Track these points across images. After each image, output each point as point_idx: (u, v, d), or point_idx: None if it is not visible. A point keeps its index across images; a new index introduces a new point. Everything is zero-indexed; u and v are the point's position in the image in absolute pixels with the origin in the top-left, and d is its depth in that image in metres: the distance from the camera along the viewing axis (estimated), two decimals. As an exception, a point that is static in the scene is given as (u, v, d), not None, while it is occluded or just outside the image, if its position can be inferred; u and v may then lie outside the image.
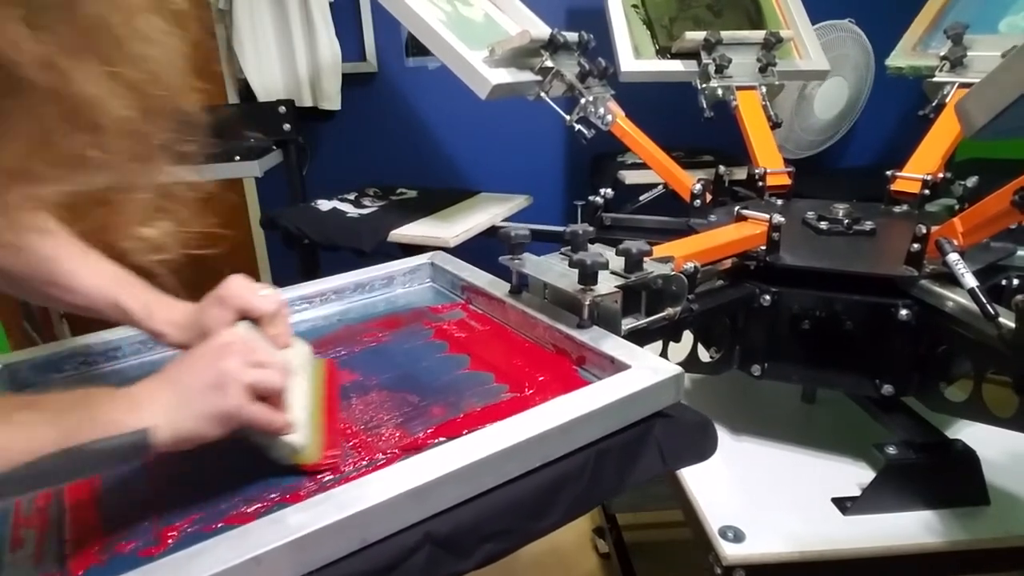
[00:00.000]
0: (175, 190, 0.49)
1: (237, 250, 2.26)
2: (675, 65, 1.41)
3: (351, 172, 2.13)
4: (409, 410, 0.61)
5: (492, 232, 1.53)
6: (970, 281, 0.67)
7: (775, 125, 1.27)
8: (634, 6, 1.49)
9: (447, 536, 0.46)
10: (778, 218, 0.83)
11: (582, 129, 1.22)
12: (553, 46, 1.25)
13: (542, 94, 1.27)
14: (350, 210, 1.68)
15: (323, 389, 0.63)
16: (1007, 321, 0.63)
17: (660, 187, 1.29)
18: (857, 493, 0.79)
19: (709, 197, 1.08)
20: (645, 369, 0.59)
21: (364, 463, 0.54)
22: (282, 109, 1.92)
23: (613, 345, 0.64)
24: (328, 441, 0.56)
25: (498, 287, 0.81)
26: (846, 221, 0.93)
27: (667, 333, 0.76)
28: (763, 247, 0.84)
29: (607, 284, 0.68)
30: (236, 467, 0.53)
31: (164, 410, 0.46)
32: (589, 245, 0.76)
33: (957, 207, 0.98)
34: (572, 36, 1.27)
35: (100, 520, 0.49)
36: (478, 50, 1.25)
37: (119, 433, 0.44)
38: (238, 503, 0.50)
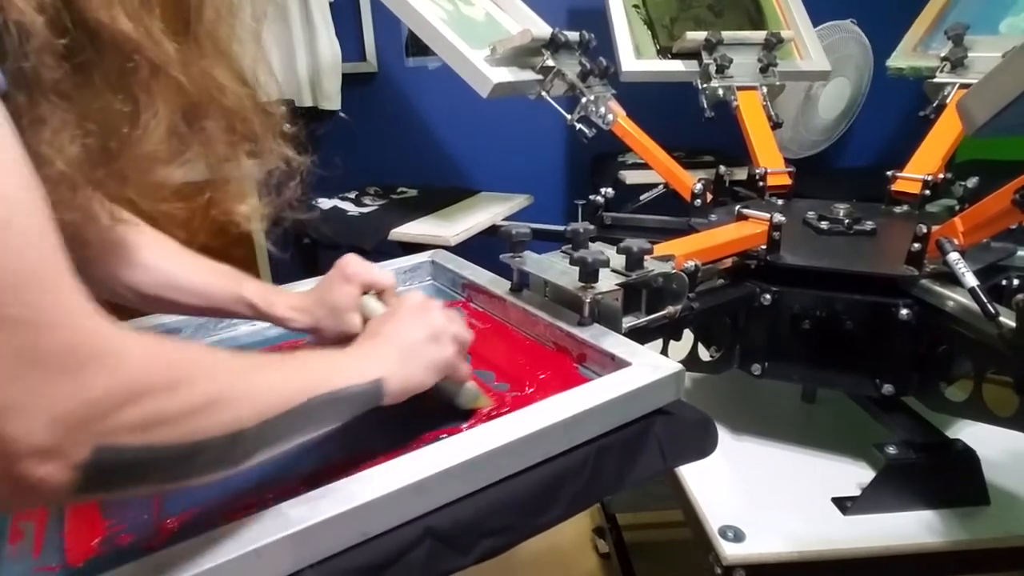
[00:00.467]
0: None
1: (237, 247, 2.25)
2: (676, 65, 1.41)
3: (351, 171, 2.12)
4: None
5: (493, 231, 1.54)
6: (971, 281, 0.67)
7: (776, 125, 1.27)
8: (635, 6, 1.49)
9: (448, 531, 0.46)
10: (779, 217, 0.83)
11: (583, 128, 1.22)
12: (554, 45, 1.25)
13: (543, 93, 1.28)
14: (351, 208, 1.69)
15: None
16: (1007, 321, 0.63)
17: (661, 187, 1.29)
18: (857, 493, 0.79)
19: (710, 197, 1.08)
20: (645, 366, 0.59)
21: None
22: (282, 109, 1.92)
23: (614, 343, 0.64)
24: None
25: (499, 285, 0.81)
26: (847, 221, 0.93)
27: (667, 331, 0.76)
28: (764, 246, 0.84)
29: (608, 282, 0.68)
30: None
31: (394, 363, 0.50)
32: (590, 243, 0.76)
33: (957, 207, 0.98)
34: (573, 35, 1.27)
35: (99, 512, 0.49)
36: (479, 49, 1.25)
37: (363, 382, 0.46)
38: (238, 495, 0.49)
